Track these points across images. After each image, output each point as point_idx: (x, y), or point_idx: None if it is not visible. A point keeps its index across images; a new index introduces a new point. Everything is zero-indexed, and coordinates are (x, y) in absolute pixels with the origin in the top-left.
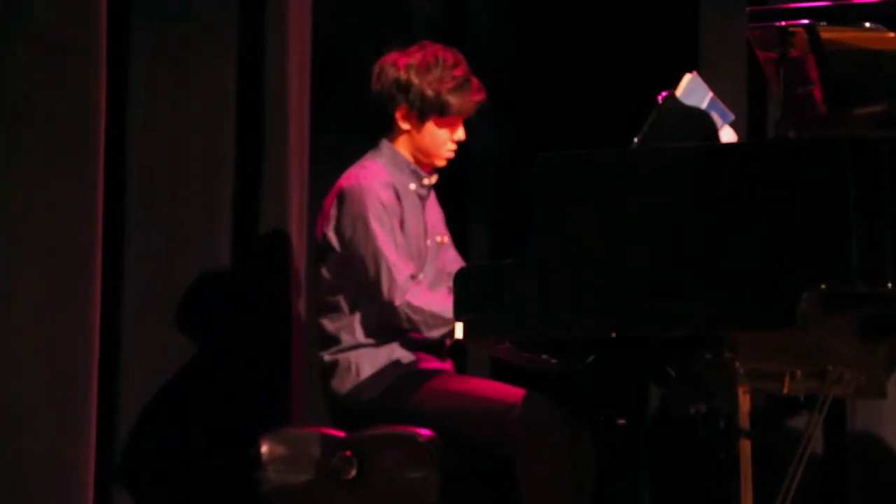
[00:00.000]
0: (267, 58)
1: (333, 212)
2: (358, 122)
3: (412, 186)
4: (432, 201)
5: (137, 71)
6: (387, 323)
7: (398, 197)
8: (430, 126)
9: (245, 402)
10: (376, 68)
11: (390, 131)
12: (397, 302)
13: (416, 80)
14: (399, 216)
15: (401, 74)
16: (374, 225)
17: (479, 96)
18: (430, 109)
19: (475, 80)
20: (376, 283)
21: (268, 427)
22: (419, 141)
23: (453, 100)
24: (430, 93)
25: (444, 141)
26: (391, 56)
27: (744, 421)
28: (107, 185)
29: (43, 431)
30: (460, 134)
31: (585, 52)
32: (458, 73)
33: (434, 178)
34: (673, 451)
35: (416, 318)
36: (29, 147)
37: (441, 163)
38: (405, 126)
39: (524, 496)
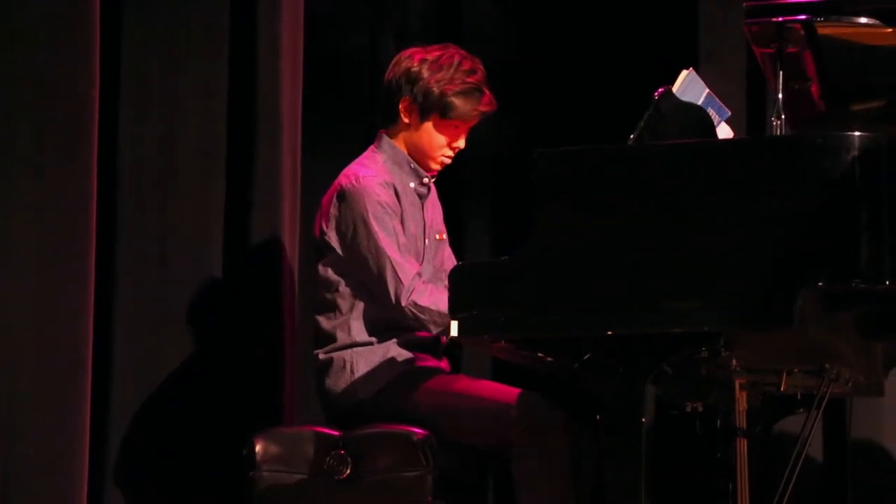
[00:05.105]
0: (259, 54)
1: (333, 211)
2: (351, 118)
3: (412, 185)
4: (433, 198)
5: (129, 68)
6: (383, 321)
7: (397, 196)
8: (429, 126)
9: (238, 402)
10: (395, 58)
11: (391, 124)
12: (403, 302)
13: (425, 75)
14: (399, 216)
15: (413, 66)
16: (375, 226)
17: (487, 108)
18: (433, 108)
19: (488, 93)
20: (381, 284)
21: (261, 426)
22: (416, 138)
23: (458, 102)
24: (435, 90)
25: (440, 145)
26: (412, 49)
27: (741, 420)
28: (99, 185)
29: (36, 433)
30: (460, 142)
31: (583, 48)
32: (471, 80)
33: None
34: (670, 450)
35: (423, 317)
36: (23, 146)
37: (435, 165)
38: (406, 119)
39: (520, 495)
